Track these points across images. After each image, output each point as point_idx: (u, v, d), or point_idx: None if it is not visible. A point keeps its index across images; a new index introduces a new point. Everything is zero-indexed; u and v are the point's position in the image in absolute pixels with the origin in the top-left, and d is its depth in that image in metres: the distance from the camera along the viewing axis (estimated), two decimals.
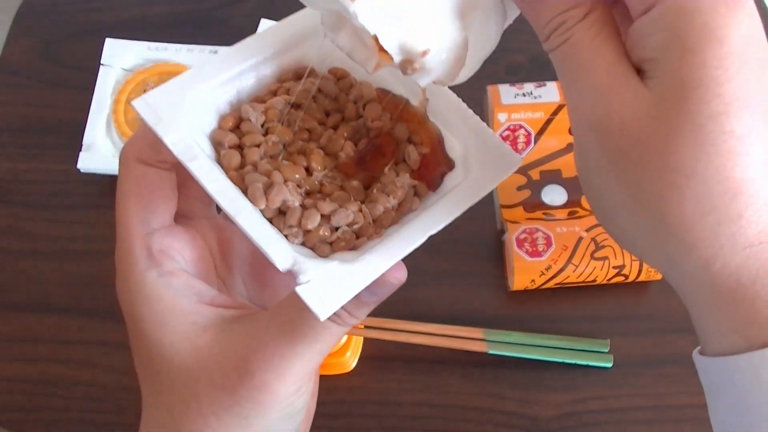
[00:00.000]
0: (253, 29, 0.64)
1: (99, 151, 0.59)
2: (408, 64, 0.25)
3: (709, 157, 0.22)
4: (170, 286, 0.28)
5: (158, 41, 0.64)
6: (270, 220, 0.28)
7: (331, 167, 0.30)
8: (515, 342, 0.54)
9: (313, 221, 0.27)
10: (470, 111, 0.31)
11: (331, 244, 0.28)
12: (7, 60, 0.67)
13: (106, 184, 0.61)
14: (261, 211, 0.27)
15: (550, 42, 0.24)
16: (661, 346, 0.55)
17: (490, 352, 0.54)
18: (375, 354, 0.54)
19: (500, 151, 0.30)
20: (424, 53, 0.25)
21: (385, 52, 0.26)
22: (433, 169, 0.31)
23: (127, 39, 0.64)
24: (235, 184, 0.28)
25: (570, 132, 0.58)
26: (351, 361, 0.53)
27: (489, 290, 0.57)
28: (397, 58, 0.25)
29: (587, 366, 0.54)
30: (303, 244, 0.28)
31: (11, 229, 0.60)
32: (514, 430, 0.52)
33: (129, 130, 0.60)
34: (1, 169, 0.62)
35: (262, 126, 0.30)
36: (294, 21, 0.31)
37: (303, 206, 0.28)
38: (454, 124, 0.31)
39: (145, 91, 0.62)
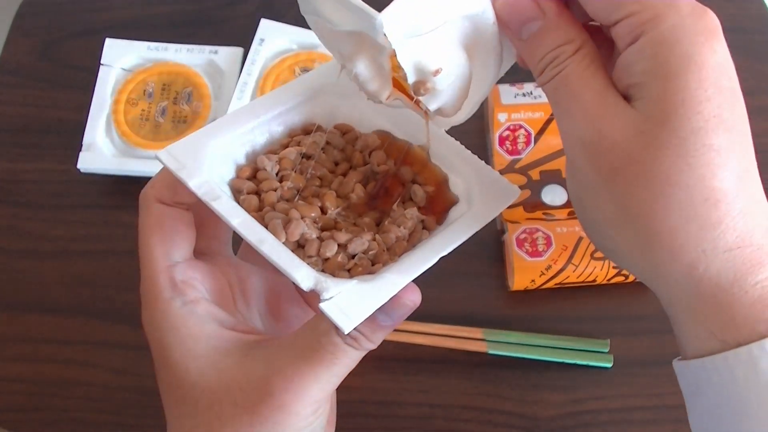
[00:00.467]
0: (253, 29, 0.64)
1: (99, 151, 0.59)
2: (421, 85, 0.27)
3: (691, 167, 0.24)
4: (193, 313, 0.30)
5: (158, 41, 0.64)
6: (292, 252, 0.29)
7: (344, 207, 0.32)
8: (515, 342, 0.54)
9: (331, 250, 0.29)
10: (468, 151, 0.34)
11: (349, 270, 0.30)
12: (7, 60, 0.67)
13: (106, 184, 0.61)
14: (283, 242, 0.29)
15: (544, 75, 0.27)
16: (661, 346, 0.55)
17: (490, 352, 0.54)
18: (375, 354, 0.54)
19: (500, 184, 0.33)
20: (437, 72, 0.27)
21: (398, 85, 0.28)
22: (438, 205, 0.33)
23: (127, 39, 0.64)
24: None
25: None
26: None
27: (489, 290, 0.57)
28: (411, 77, 0.27)
29: (587, 366, 0.54)
30: (323, 271, 0.30)
31: (11, 229, 0.60)
32: (514, 430, 0.52)
33: (129, 130, 0.60)
34: (1, 169, 0.62)
35: (277, 174, 0.32)
36: (303, 80, 0.34)
37: (320, 238, 0.30)
38: (456, 165, 0.33)
39: (144, 91, 0.62)
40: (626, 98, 0.26)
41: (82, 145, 0.60)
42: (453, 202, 0.33)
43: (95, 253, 0.59)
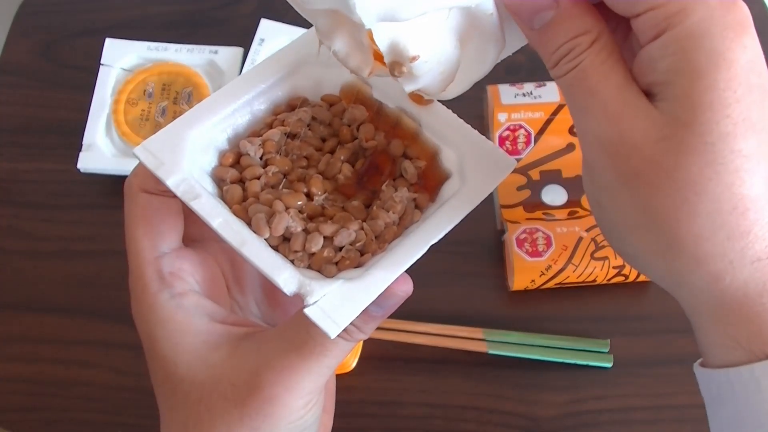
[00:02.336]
0: (253, 29, 0.64)
1: (99, 151, 0.59)
2: (396, 66, 0.26)
3: (719, 175, 0.23)
4: (182, 306, 0.30)
5: (158, 41, 0.64)
6: (276, 248, 0.29)
7: (331, 190, 0.31)
8: (515, 342, 0.54)
9: (316, 244, 0.28)
10: (461, 120, 0.32)
11: (336, 263, 0.29)
12: (7, 60, 0.67)
13: (106, 184, 0.61)
14: (266, 239, 0.28)
15: (559, 68, 0.25)
16: (661, 346, 0.55)
17: (490, 352, 0.54)
18: (375, 354, 0.54)
19: (495, 155, 0.31)
20: (413, 59, 0.25)
21: (380, 58, 0.27)
22: (430, 181, 0.31)
23: (127, 39, 0.64)
24: (239, 216, 0.29)
25: (570, 131, 0.58)
26: (351, 361, 0.53)
27: (489, 290, 0.57)
28: (387, 57, 0.26)
29: (587, 366, 0.54)
30: (309, 266, 0.29)
31: (11, 229, 0.60)
32: (514, 430, 0.52)
33: (129, 130, 0.60)
34: (1, 169, 0.62)
35: (261, 158, 0.31)
36: (283, 54, 0.32)
37: (306, 231, 0.29)
38: (448, 135, 0.32)
39: (144, 91, 0.62)
40: (647, 95, 0.24)
41: (82, 145, 0.60)
42: (445, 177, 0.31)
43: (95, 253, 0.59)
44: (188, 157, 0.29)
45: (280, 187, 0.30)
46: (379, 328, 0.54)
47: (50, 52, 0.67)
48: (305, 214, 0.30)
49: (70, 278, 0.58)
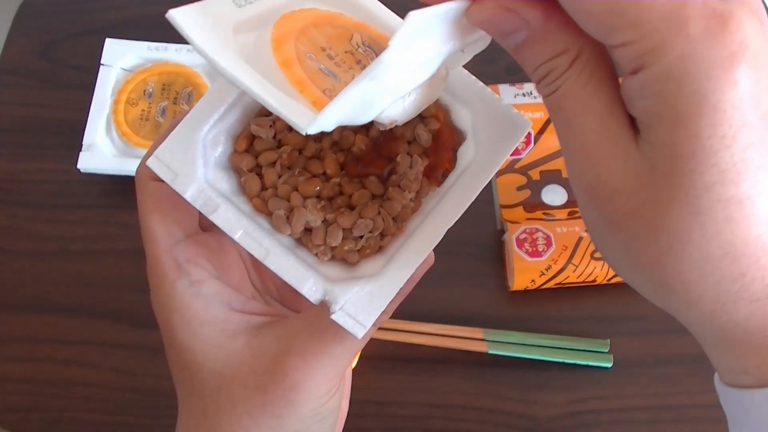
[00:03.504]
0: None
1: (99, 151, 0.59)
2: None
3: (704, 226, 0.21)
4: (200, 294, 0.29)
5: (158, 41, 0.64)
6: (299, 240, 0.30)
7: (348, 161, 0.31)
8: (515, 342, 0.54)
9: (336, 238, 0.29)
10: (473, 77, 0.31)
11: (358, 250, 0.29)
12: (7, 60, 0.67)
13: (106, 184, 0.61)
14: (288, 235, 0.29)
15: (540, 89, 0.23)
16: (661, 346, 0.55)
17: (490, 352, 0.54)
18: (375, 354, 0.54)
19: (508, 116, 0.30)
20: (392, 124, 0.25)
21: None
22: (446, 142, 0.31)
23: (127, 39, 0.64)
24: (259, 211, 0.30)
25: None
26: (351, 361, 0.53)
27: (489, 290, 0.57)
28: None
29: (587, 366, 0.54)
30: (333, 257, 0.30)
31: (11, 229, 0.60)
32: (514, 430, 0.52)
33: (129, 130, 0.60)
34: (1, 169, 0.62)
35: (275, 137, 0.31)
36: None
37: (326, 222, 0.29)
38: (460, 93, 0.31)
39: (144, 91, 0.62)
40: (633, 121, 0.22)
41: (82, 145, 0.60)
42: (461, 139, 0.31)
43: (95, 253, 0.59)
44: (201, 160, 0.29)
45: (296, 173, 0.30)
46: (379, 328, 0.54)
47: (50, 52, 0.67)
48: (323, 199, 0.30)
49: (70, 278, 0.58)
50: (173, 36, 0.66)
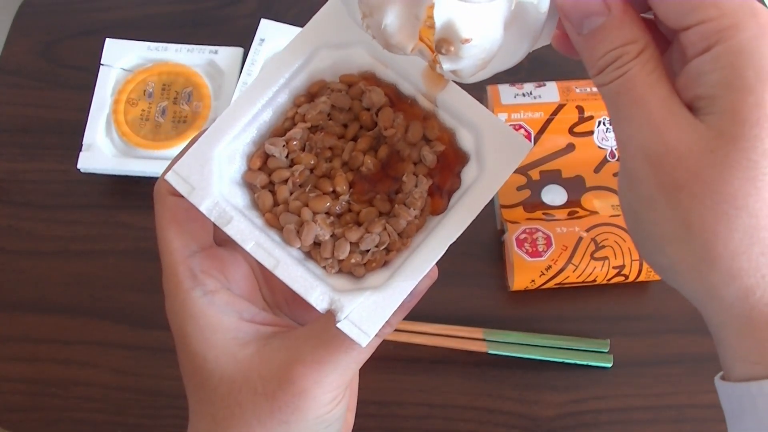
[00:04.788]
0: (253, 29, 0.64)
1: (99, 151, 0.59)
2: (445, 44, 0.26)
3: (760, 191, 0.23)
4: (213, 303, 0.31)
5: (158, 41, 0.64)
6: (308, 254, 0.31)
7: (357, 179, 0.32)
8: (515, 342, 0.54)
9: (344, 251, 0.31)
10: (475, 100, 0.32)
11: (365, 264, 0.31)
12: (7, 60, 0.67)
13: (106, 184, 0.61)
14: (298, 248, 0.31)
15: (604, 75, 0.26)
16: (661, 346, 0.55)
17: (490, 352, 0.54)
18: (375, 354, 0.54)
19: (509, 137, 0.32)
20: (465, 41, 0.26)
21: (422, 36, 0.27)
22: (451, 163, 0.32)
23: (127, 39, 0.64)
24: (271, 225, 0.31)
25: (570, 131, 0.58)
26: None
27: (489, 290, 0.57)
28: (439, 34, 0.26)
29: (587, 366, 0.54)
30: (340, 270, 0.31)
31: (11, 229, 0.60)
32: (514, 430, 0.52)
33: (129, 130, 0.60)
34: (1, 169, 0.63)
35: (287, 157, 0.32)
36: (296, 45, 0.33)
37: (334, 236, 0.31)
38: (464, 116, 0.32)
39: (144, 91, 0.62)
40: (691, 109, 0.25)
41: (82, 145, 0.60)
42: (465, 160, 0.32)
43: (95, 253, 0.59)
44: (216, 175, 0.31)
45: (308, 188, 0.32)
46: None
47: (50, 52, 0.67)
48: (332, 215, 0.32)
49: (70, 278, 0.58)
50: (173, 36, 0.66)
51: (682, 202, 0.24)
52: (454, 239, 0.30)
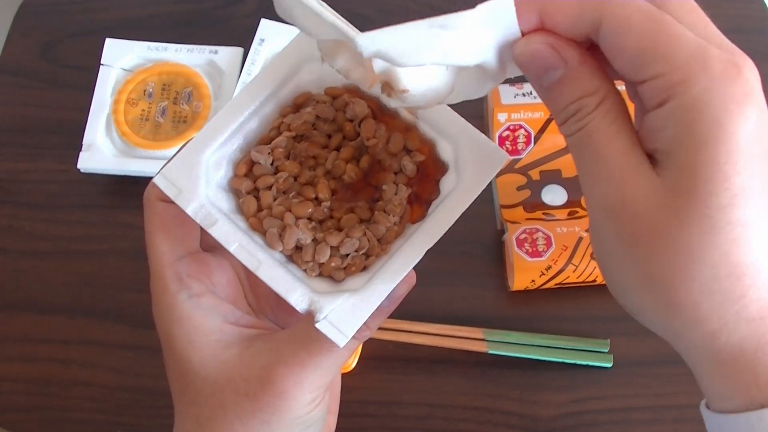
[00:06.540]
0: (253, 29, 0.64)
1: (99, 151, 0.59)
2: (387, 88, 0.27)
3: (716, 244, 0.24)
4: (198, 306, 0.31)
5: (158, 41, 0.64)
6: (290, 257, 0.32)
7: (339, 187, 0.33)
8: (515, 342, 0.54)
9: (324, 255, 0.31)
10: (455, 113, 0.33)
11: (344, 269, 0.32)
12: (7, 60, 0.67)
13: (106, 184, 0.61)
14: (280, 251, 0.32)
15: (566, 127, 0.26)
16: (661, 346, 0.54)
17: (490, 352, 0.54)
18: (375, 354, 0.54)
19: (487, 149, 0.33)
20: (403, 91, 0.27)
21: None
22: (431, 173, 0.33)
23: (127, 39, 0.64)
24: (254, 229, 0.32)
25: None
26: (351, 361, 0.53)
27: (489, 290, 0.57)
28: (380, 78, 0.27)
29: (587, 366, 0.54)
30: (320, 274, 0.32)
31: (11, 229, 0.60)
32: (514, 430, 0.52)
33: (129, 130, 0.60)
34: (1, 169, 0.63)
35: (272, 164, 0.33)
36: (283, 57, 0.34)
37: (315, 240, 0.32)
38: (443, 128, 0.33)
39: (144, 91, 0.62)
40: (651, 159, 0.25)
41: (82, 145, 0.60)
42: (444, 170, 0.33)
43: (95, 253, 0.59)
44: (203, 180, 0.32)
45: (291, 196, 0.33)
46: (379, 328, 0.54)
47: (50, 52, 0.67)
48: (314, 221, 0.32)
49: (70, 278, 0.58)
50: (173, 36, 0.66)
51: (640, 254, 0.25)
52: (431, 245, 0.31)
